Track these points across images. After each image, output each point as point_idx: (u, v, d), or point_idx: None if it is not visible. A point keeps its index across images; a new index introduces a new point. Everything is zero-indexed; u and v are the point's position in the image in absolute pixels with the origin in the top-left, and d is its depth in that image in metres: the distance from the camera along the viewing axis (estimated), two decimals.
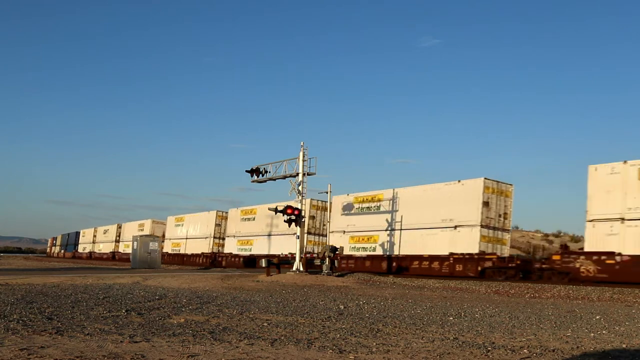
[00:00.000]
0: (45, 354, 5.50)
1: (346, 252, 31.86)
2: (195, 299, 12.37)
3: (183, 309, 10.23)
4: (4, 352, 5.47)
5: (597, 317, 11.06)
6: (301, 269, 25.65)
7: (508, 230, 27.47)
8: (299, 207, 25.74)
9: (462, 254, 26.56)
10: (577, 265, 21.62)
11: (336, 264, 27.40)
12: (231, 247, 43.69)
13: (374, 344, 6.93)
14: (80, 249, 79.96)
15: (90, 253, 73.79)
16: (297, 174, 26.23)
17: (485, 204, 26.18)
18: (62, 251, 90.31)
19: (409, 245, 29.16)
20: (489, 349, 6.76)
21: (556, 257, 23.40)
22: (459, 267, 26.53)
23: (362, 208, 32.52)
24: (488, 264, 25.56)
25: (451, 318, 10.33)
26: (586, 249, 21.73)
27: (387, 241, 30.26)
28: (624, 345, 7.33)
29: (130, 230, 61.50)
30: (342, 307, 11.94)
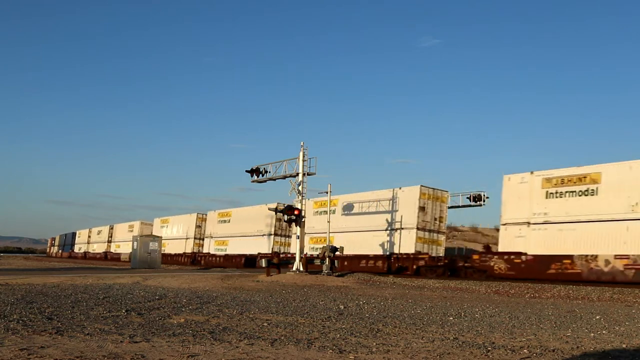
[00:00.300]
0: (45, 354, 5.50)
1: None
2: (195, 299, 12.37)
3: (183, 309, 10.23)
4: (4, 352, 5.47)
5: (597, 317, 11.06)
6: (301, 269, 25.65)
7: (443, 232, 31.15)
8: (299, 207, 25.75)
9: (401, 253, 29.93)
10: (492, 263, 24.83)
11: (336, 264, 27.40)
12: (209, 247, 46.91)
13: (374, 344, 6.93)
14: (76, 249, 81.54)
15: (85, 253, 75.76)
16: (297, 174, 26.23)
17: (422, 208, 29.47)
18: (60, 251, 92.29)
19: (356, 245, 32.14)
20: (489, 349, 6.76)
21: (476, 257, 26.83)
22: (399, 265, 29.92)
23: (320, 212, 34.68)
24: (421, 262, 28.89)
25: (451, 318, 10.33)
26: (499, 250, 25.11)
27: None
28: (624, 345, 7.33)
29: (121, 231, 64.70)
30: (342, 307, 11.94)
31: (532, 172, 24.17)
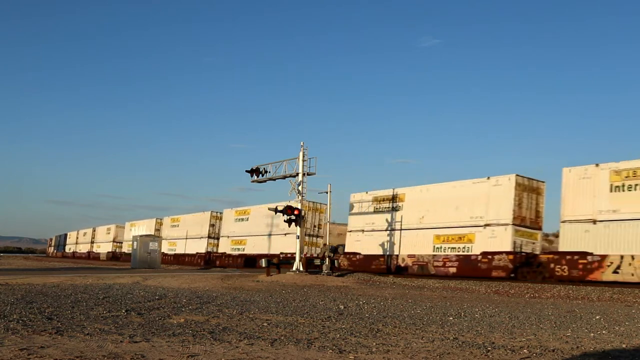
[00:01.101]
0: (45, 354, 5.50)
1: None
2: (195, 299, 12.37)
3: (183, 309, 10.23)
4: (4, 352, 5.47)
5: (597, 317, 11.06)
6: (301, 269, 25.65)
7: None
8: (299, 207, 25.75)
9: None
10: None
11: (336, 264, 27.42)
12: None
13: (374, 344, 6.93)
14: (67, 249, 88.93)
15: (74, 253, 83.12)
16: (297, 174, 26.23)
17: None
18: (55, 251, 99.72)
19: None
20: (489, 349, 6.76)
21: (337, 256, 31.44)
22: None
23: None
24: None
25: (451, 318, 10.33)
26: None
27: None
28: (624, 345, 7.33)
29: (101, 233, 72.87)
30: (342, 307, 11.94)
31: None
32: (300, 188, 25.98)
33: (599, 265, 20.81)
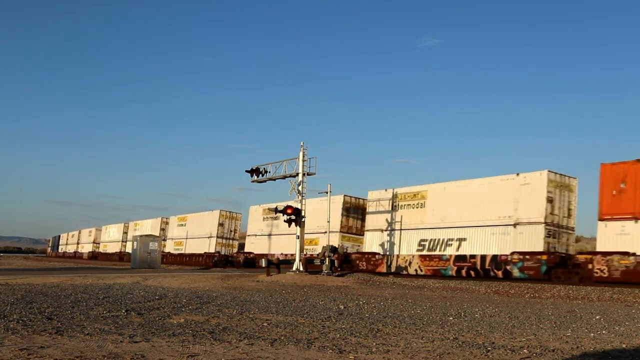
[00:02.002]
0: (45, 354, 5.50)
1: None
2: (195, 299, 12.37)
3: (183, 309, 10.23)
4: (4, 352, 5.47)
5: (597, 317, 11.06)
6: (301, 269, 25.65)
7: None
8: (299, 207, 25.75)
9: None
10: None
11: (336, 264, 27.41)
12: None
13: (374, 344, 6.93)
14: (60, 250, 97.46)
15: (64, 253, 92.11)
16: (297, 174, 26.23)
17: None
18: (52, 251, 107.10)
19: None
20: (489, 349, 6.76)
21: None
22: None
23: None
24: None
25: (451, 318, 10.33)
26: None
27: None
28: (624, 345, 7.33)
29: (84, 235, 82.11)
30: (342, 307, 11.94)
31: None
32: (300, 188, 25.98)
33: None
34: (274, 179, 28.19)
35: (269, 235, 39.53)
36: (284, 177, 27.46)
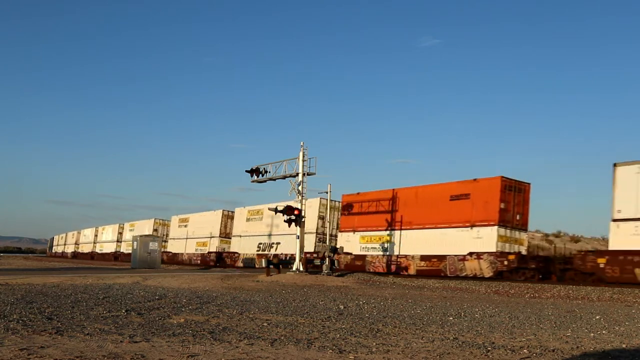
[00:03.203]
0: (45, 354, 5.50)
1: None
2: (195, 299, 12.37)
3: (183, 309, 10.23)
4: (4, 352, 5.47)
5: (597, 317, 11.06)
6: (301, 269, 25.65)
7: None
8: (299, 207, 25.74)
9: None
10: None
11: (336, 264, 27.41)
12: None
13: (374, 344, 6.92)
14: (53, 250, 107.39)
15: (55, 253, 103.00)
16: (297, 174, 26.23)
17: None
18: (49, 251, 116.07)
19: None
20: (489, 349, 6.76)
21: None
22: None
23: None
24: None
25: (451, 318, 10.33)
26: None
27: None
28: (624, 345, 7.33)
29: (70, 237, 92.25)
30: (342, 307, 11.94)
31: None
32: (300, 188, 25.98)
33: None
34: (274, 179, 28.20)
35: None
36: (284, 177, 27.47)
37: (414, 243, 28.09)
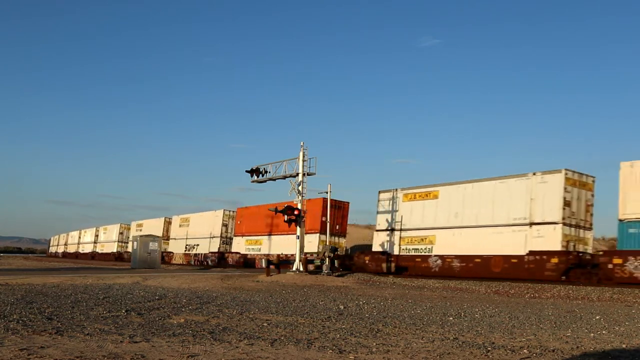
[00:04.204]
0: (45, 354, 5.50)
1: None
2: (195, 299, 12.37)
3: (183, 309, 10.23)
4: (4, 352, 5.47)
5: (597, 317, 11.06)
6: (301, 269, 25.65)
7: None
8: (300, 207, 25.75)
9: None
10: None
11: (336, 264, 27.41)
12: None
13: (374, 344, 6.92)
14: (51, 250, 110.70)
15: (50, 253, 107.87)
16: (297, 174, 26.23)
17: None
18: (48, 251, 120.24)
19: None
20: (489, 349, 6.76)
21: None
22: None
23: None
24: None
25: (451, 318, 10.33)
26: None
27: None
28: (624, 345, 7.33)
29: (60, 239, 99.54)
30: (342, 307, 11.94)
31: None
32: (300, 188, 25.98)
33: None
34: (274, 179, 28.20)
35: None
36: (284, 177, 27.46)
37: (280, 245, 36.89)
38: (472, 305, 13.55)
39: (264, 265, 26.74)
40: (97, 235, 75.21)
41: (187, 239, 48.94)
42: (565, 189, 22.99)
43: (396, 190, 30.06)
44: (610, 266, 20.39)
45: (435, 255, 27.15)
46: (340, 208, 34.93)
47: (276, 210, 26.45)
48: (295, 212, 25.52)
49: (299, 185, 26.05)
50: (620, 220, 20.92)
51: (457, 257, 26.10)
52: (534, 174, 24.26)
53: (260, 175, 28.48)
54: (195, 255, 46.34)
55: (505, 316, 10.96)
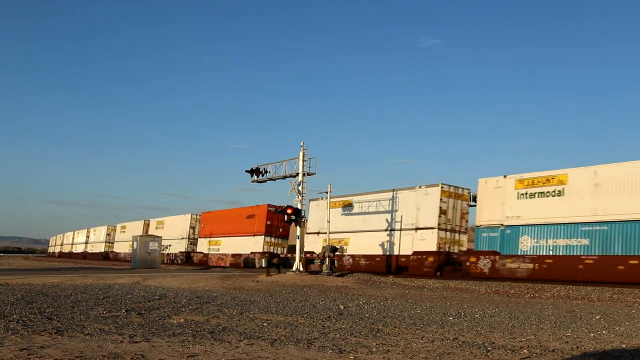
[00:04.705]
0: (45, 354, 5.50)
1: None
2: (195, 299, 12.37)
3: (183, 309, 10.23)
4: (4, 352, 5.47)
5: (597, 317, 11.06)
6: (301, 269, 25.66)
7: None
8: (299, 207, 25.75)
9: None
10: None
11: (336, 264, 27.42)
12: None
13: (374, 344, 6.92)
14: (50, 250, 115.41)
15: (50, 253, 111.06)
16: (297, 174, 26.23)
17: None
18: (47, 251, 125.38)
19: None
20: (489, 349, 6.76)
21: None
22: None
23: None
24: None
25: (451, 318, 10.33)
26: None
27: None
28: (624, 345, 7.33)
29: (57, 240, 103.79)
30: (342, 307, 11.94)
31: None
32: (300, 188, 25.98)
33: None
34: (274, 179, 28.20)
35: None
36: (284, 177, 27.47)
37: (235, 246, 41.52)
38: (472, 305, 13.55)
39: (264, 264, 26.74)
40: (87, 236, 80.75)
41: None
42: (441, 199, 28.00)
43: (322, 198, 33.58)
44: (468, 264, 25.57)
45: (348, 255, 32.26)
46: (283, 213, 37.70)
47: (276, 210, 26.45)
48: (288, 212, 25.53)
49: (299, 185, 26.05)
50: (478, 226, 25.72)
51: (364, 256, 31.44)
52: (420, 187, 29.28)
53: (260, 175, 28.49)
54: (168, 254, 51.36)
55: (505, 316, 10.96)
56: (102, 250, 71.34)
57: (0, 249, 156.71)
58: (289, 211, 25.47)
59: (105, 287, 15.36)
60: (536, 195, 23.79)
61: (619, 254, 20.69)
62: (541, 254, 23.11)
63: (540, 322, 10.06)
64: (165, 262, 49.62)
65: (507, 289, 19.87)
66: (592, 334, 8.42)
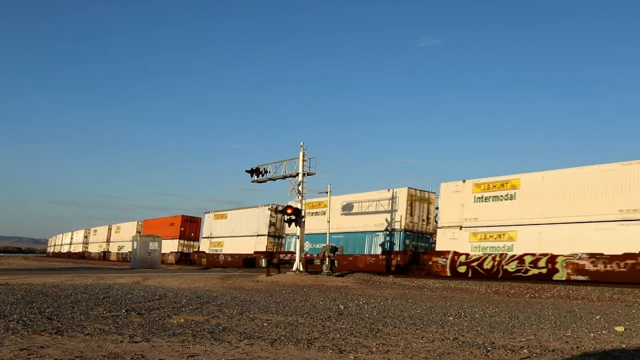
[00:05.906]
0: (45, 354, 5.50)
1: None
2: (195, 299, 12.37)
3: (183, 309, 10.23)
4: (4, 352, 5.47)
5: (597, 317, 11.06)
6: (301, 269, 25.65)
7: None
8: (299, 207, 25.74)
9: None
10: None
11: (335, 264, 27.41)
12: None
13: (374, 344, 6.92)
14: (48, 250, 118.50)
15: (49, 253, 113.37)
16: (297, 174, 26.23)
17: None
18: (47, 251, 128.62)
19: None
20: (489, 349, 6.76)
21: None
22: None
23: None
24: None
25: (451, 318, 10.33)
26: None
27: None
28: (624, 345, 7.33)
29: (57, 240, 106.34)
30: (342, 307, 11.94)
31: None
32: (300, 188, 25.98)
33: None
34: (274, 179, 28.19)
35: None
36: (284, 177, 27.46)
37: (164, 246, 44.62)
38: (472, 305, 13.55)
39: (263, 264, 26.72)
40: (86, 237, 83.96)
41: (118, 242, 67.28)
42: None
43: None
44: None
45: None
46: (194, 222, 53.05)
47: (276, 211, 26.44)
48: (288, 211, 25.52)
49: (299, 185, 26.04)
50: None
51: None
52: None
53: (260, 175, 28.48)
54: (122, 254, 62.50)
55: (505, 316, 10.96)
56: (101, 250, 73.65)
57: (0, 249, 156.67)
58: (288, 211, 25.47)
59: (105, 287, 15.35)
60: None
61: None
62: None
63: (540, 322, 10.06)
64: (119, 259, 60.71)
65: (507, 289, 19.87)
66: (592, 334, 8.42)
